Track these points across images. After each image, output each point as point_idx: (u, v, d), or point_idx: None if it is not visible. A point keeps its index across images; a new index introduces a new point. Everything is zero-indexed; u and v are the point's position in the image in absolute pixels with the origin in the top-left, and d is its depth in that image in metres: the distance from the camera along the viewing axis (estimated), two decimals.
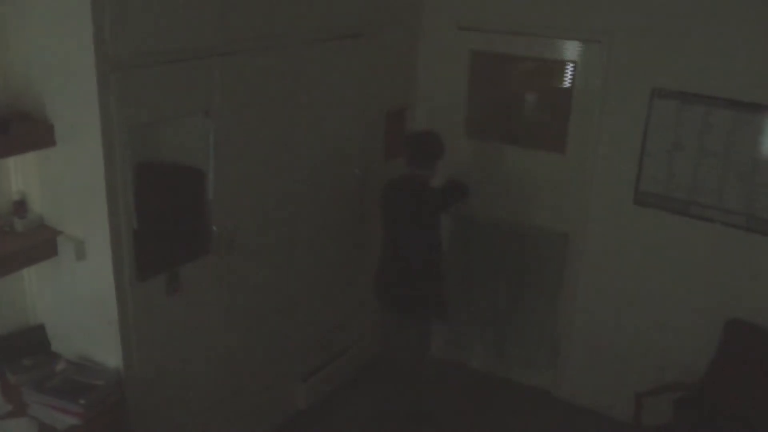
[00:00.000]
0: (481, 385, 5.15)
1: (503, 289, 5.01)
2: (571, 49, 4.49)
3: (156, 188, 3.45)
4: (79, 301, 3.45)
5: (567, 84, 4.58)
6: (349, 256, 4.86)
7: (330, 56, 4.23)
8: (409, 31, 4.88)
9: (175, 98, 3.41)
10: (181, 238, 3.68)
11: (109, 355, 3.44)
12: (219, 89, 3.58)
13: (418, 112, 5.03)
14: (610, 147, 4.43)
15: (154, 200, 3.37)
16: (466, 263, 5.12)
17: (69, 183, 3.30)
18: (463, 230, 5.08)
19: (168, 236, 3.59)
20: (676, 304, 4.42)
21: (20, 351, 3.62)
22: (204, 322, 3.81)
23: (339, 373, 4.97)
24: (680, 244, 4.35)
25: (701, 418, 4.07)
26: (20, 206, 3.48)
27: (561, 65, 4.58)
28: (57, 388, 3.32)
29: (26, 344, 3.66)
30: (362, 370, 5.13)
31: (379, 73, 4.62)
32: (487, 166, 4.94)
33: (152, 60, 3.23)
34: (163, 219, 3.54)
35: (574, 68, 4.52)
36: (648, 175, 4.34)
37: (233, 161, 3.73)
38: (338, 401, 4.85)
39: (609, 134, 4.42)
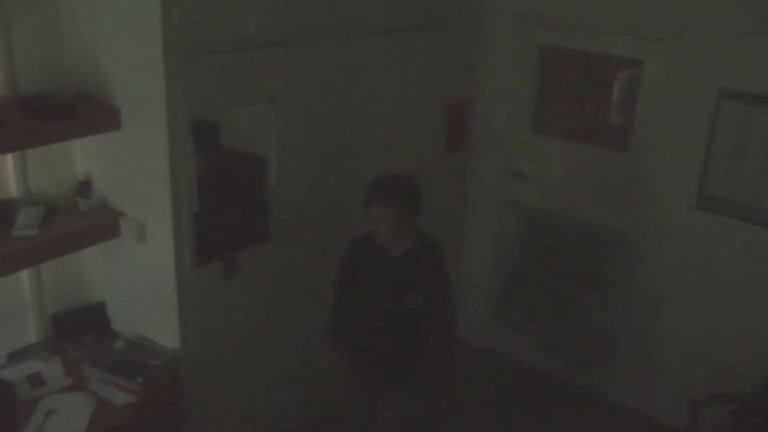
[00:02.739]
0: (529, 379, 5.11)
1: (560, 285, 4.96)
2: (640, 47, 4.38)
3: (217, 174, 3.49)
4: (138, 281, 3.52)
5: (634, 82, 4.49)
6: None
7: (394, 48, 4.22)
8: (473, 24, 4.82)
9: (241, 86, 3.45)
10: (240, 224, 3.72)
11: (167, 336, 3.51)
12: (284, 78, 3.61)
13: (480, 106, 4.97)
14: (675, 148, 4.32)
15: (215, 186, 3.42)
16: (524, 254, 5.09)
17: (133, 166, 3.37)
18: (524, 221, 5.04)
19: (228, 222, 3.64)
20: (736, 312, 4.31)
21: (81, 328, 3.73)
22: (259, 308, 3.86)
23: None
24: (742, 250, 4.23)
25: (756, 430, 3.99)
26: (85, 187, 3.57)
27: (628, 63, 4.48)
28: (115, 365, 3.41)
29: (87, 321, 3.76)
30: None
31: (441, 65, 4.59)
32: (551, 161, 4.86)
33: (219, 48, 3.27)
34: (223, 205, 3.58)
35: (642, 66, 4.42)
36: (712, 179, 4.22)
37: (296, 150, 3.76)
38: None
39: (674, 135, 4.31)
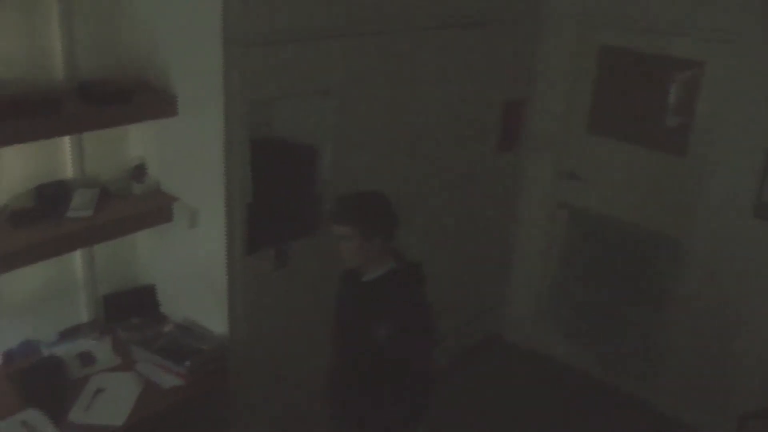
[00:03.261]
0: (571, 382, 5.07)
1: (608, 288, 4.91)
2: (702, 48, 4.30)
3: (271, 164, 3.51)
4: (189, 267, 3.56)
5: (694, 84, 4.40)
6: (460, 249, 4.83)
7: (451, 43, 4.20)
8: (532, 21, 4.79)
9: (297, 77, 3.45)
10: (292, 214, 3.74)
11: (215, 321, 3.54)
12: (340, 70, 3.61)
13: (536, 104, 4.93)
14: (733, 153, 4.23)
15: (268, 176, 3.43)
16: (573, 256, 5.04)
17: (188, 152, 3.40)
18: (574, 223, 5.00)
19: (280, 212, 3.66)
20: None
21: (131, 309, 3.79)
22: (308, 298, 3.86)
23: (440, 353, 4.95)
24: None
25: None
26: (139, 171, 3.62)
27: (689, 64, 4.41)
28: (164, 348, 3.46)
29: (136, 303, 3.82)
30: (454, 362, 5.10)
31: (499, 62, 4.56)
32: (605, 163, 4.80)
33: (277, 38, 3.28)
34: (276, 195, 3.59)
35: (703, 68, 4.34)
36: None
37: (350, 142, 3.76)
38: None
39: (733, 139, 4.22)
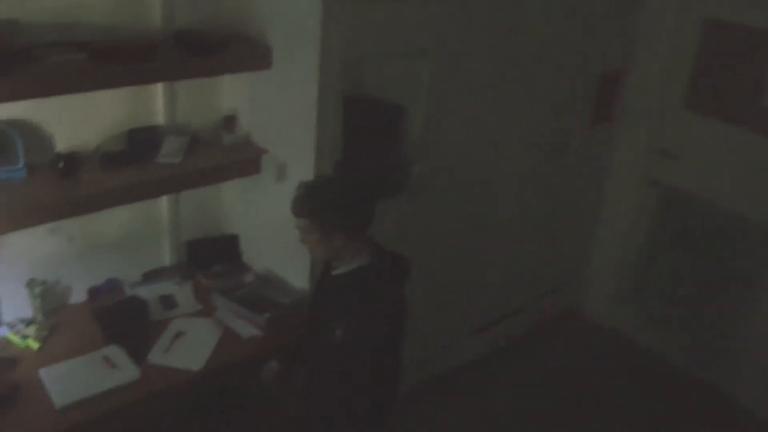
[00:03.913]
0: (647, 364, 4.98)
1: (694, 273, 4.78)
2: None
3: (361, 122, 3.50)
4: (273, 219, 3.58)
5: None
6: (545, 221, 4.78)
7: (551, 10, 4.10)
8: None
9: (395, 36, 3.42)
10: (379, 174, 3.72)
11: (296, 275, 3.57)
12: (438, 32, 3.56)
13: (633, 77, 4.76)
14: None
15: (356, 134, 3.43)
16: (660, 236, 4.92)
17: (280, 106, 3.41)
18: (664, 202, 4.86)
19: (367, 171, 3.65)
20: None
21: (213, 257, 3.85)
22: None
23: (509, 333, 4.95)
24: None
25: None
26: (230, 121, 3.65)
27: None
28: (244, 298, 3.52)
29: (219, 251, 3.88)
30: (530, 334, 5.09)
31: (598, 32, 4.42)
32: (702, 141, 4.60)
33: None
34: (363, 153, 3.59)
35: None
36: None
37: (443, 104, 3.72)
38: (503, 360, 4.84)
39: None
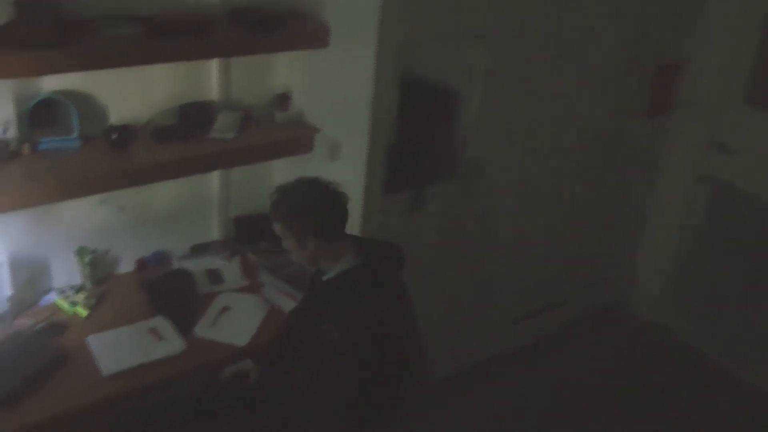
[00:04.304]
0: (689, 362, 4.90)
1: (745, 272, 4.68)
2: None
3: (413, 106, 3.47)
4: None
5: None
6: (594, 212, 4.73)
7: None
8: None
9: (455, 19, 3.38)
10: (432, 158, 3.71)
11: None
12: (496, 16, 3.51)
13: (691, 69, 4.63)
14: None
15: (409, 117, 3.41)
16: (711, 233, 4.82)
17: (334, 86, 3.40)
18: (718, 198, 4.74)
19: (420, 155, 3.64)
20: None
21: (261, 233, 3.82)
22: (440, 246, 3.86)
23: (550, 323, 4.91)
24: None
25: None
26: (283, 99, 3.65)
27: None
28: (291, 276, 3.52)
29: (268, 229, 3.84)
30: (573, 326, 5.05)
31: (656, 22, 4.32)
32: (761, 137, 4.44)
33: None
34: (416, 137, 3.57)
35: None
36: None
37: (498, 90, 3.67)
38: (544, 351, 4.81)
39: None
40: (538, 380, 4.56)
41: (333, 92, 3.42)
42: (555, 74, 3.91)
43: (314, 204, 2.60)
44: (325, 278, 2.72)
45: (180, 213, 3.74)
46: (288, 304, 3.43)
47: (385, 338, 2.60)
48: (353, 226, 3.38)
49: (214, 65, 3.48)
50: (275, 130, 3.53)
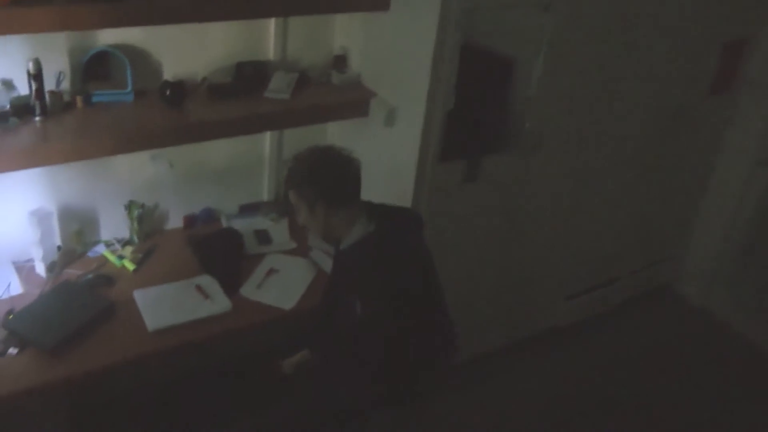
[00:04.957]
0: (736, 350, 4.77)
1: None
2: None
3: (470, 73, 3.37)
4: (376, 164, 3.50)
5: None
6: (650, 192, 4.60)
7: None
8: None
9: None
10: (489, 128, 3.63)
11: None
12: None
13: (758, 45, 4.44)
14: None
15: (466, 85, 3.32)
16: None
17: (394, 49, 3.33)
18: None
19: (478, 124, 3.56)
20: None
21: None
22: (491, 216, 3.78)
23: (603, 300, 4.83)
24: None
25: None
26: (340, 61, 3.60)
27: None
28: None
29: None
30: (623, 305, 4.95)
31: None
32: None
33: None
34: (476, 106, 3.49)
35: None
36: None
37: (561, 61, 3.56)
38: (593, 329, 4.73)
39: None
40: (586, 357, 4.50)
41: (392, 56, 3.34)
42: (619, 48, 3.78)
43: (325, 169, 2.60)
44: (342, 247, 2.70)
45: (230, 172, 3.72)
46: None
47: (406, 306, 2.58)
48: (405, 193, 3.36)
49: (272, 24, 3.44)
50: (331, 92, 3.48)
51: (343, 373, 2.81)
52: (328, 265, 3.41)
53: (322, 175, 2.58)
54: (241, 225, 3.67)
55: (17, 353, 2.80)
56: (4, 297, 3.08)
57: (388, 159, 3.44)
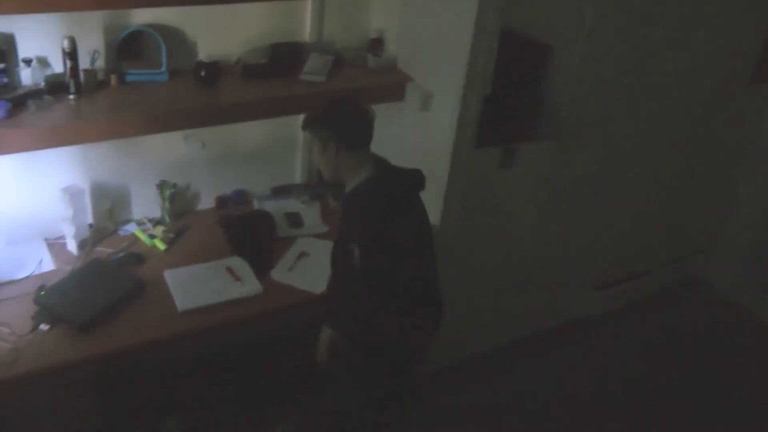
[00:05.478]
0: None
1: None
2: None
3: (510, 59, 3.32)
4: (410, 149, 3.49)
5: None
6: (686, 182, 4.53)
7: None
8: None
9: None
10: (526, 114, 3.58)
11: (428, 209, 3.47)
12: None
13: None
14: None
15: (503, 71, 3.26)
16: None
17: (431, 33, 3.28)
18: None
19: (515, 110, 3.50)
20: None
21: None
22: (525, 204, 3.74)
23: (633, 291, 4.77)
24: None
25: None
26: (376, 44, 3.56)
27: None
28: None
29: None
30: (655, 297, 4.89)
31: None
32: None
33: None
34: (512, 91, 3.44)
35: None
36: None
37: (599, 49, 3.49)
38: (623, 320, 4.68)
39: None
40: (617, 348, 4.47)
41: (429, 40, 3.29)
42: (660, 37, 3.71)
43: (340, 112, 2.79)
44: (346, 191, 2.83)
45: (263, 153, 3.70)
46: None
47: (398, 250, 2.76)
48: (440, 179, 3.33)
49: (308, 5, 3.41)
50: (367, 75, 3.44)
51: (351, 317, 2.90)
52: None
53: (336, 117, 2.77)
54: (272, 207, 3.65)
55: (48, 329, 2.80)
56: (35, 273, 3.09)
57: (423, 144, 3.41)
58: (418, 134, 3.44)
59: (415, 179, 2.89)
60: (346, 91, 3.27)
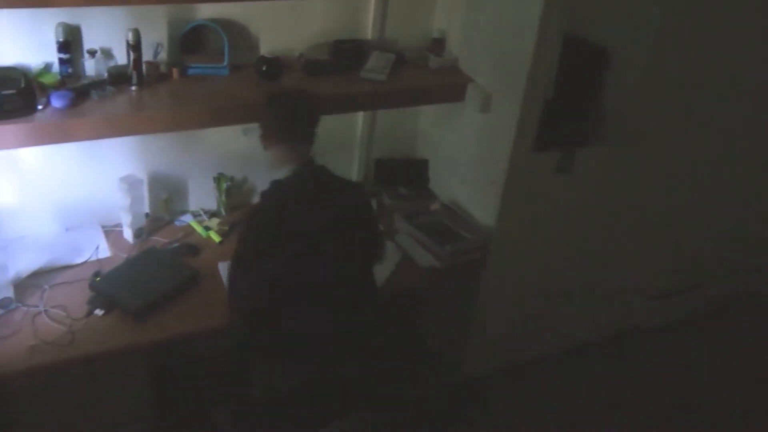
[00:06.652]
0: None
1: None
2: None
3: (571, 63, 3.28)
4: (469, 150, 3.47)
5: None
6: (748, 194, 4.40)
7: None
8: None
9: None
10: (585, 119, 3.52)
11: (484, 211, 3.46)
12: None
13: None
14: None
15: (567, 74, 3.21)
16: None
17: (494, 35, 3.25)
18: None
19: (573, 114, 3.45)
20: None
21: (400, 178, 3.80)
22: (581, 209, 3.68)
23: (688, 303, 4.66)
24: None
25: None
26: (438, 44, 3.54)
27: None
28: (428, 226, 3.45)
29: (407, 174, 3.83)
30: (709, 310, 4.77)
31: None
32: None
33: None
34: (572, 96, 3.40)
35: None
36: None
37: (664, 55, 3.41)
38: (676, 332, 4.58)
39: None
40: (667, 359, 4.39)
41: (492, 42, 3.26)
42: (728, 44, 3.61)
43: (273, 105, 2.80)
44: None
45: (321, 149, 3.66)
46: (422, 254, 3.36)
47: (273, 257, 2.60)
48: (497, 182, 3.31)
49: (372, 3, 3.41)
50: (428, 75, 3.42)
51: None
52: (414, 249, 3.38)
53: (270, 108, 2.80)
54: None
55: (102, 314, 2.84)
56: (92, 259, 3.14)
57: (481, 146, 3.38)
58: (476, 135, 3.41)
59: (340, 199, 2.84)
60: (406, 90, 3.26)
